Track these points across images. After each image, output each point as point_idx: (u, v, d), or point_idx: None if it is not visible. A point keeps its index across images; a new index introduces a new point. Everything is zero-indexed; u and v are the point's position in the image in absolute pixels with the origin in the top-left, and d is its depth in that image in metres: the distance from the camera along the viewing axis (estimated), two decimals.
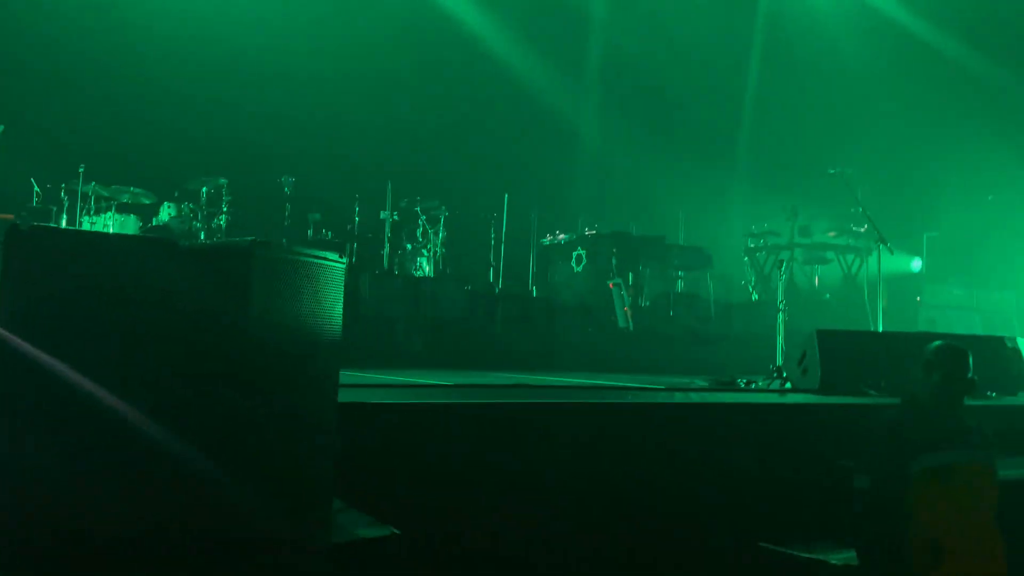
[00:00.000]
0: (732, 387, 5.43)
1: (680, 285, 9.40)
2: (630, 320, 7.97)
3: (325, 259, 2.24)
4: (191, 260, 2.08)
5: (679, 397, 4.41)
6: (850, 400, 4.45)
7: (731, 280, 9.75)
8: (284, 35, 9.33)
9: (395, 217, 8.50)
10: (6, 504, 1.78)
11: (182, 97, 8.58)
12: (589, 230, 9.06)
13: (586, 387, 4.66)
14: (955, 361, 2.99)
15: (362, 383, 3.99)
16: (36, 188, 7.26)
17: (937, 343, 3.09)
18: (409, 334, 7.32)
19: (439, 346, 7.11)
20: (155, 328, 1.97)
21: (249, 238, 2.06)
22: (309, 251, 2.22)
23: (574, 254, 8.95)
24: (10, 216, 5.64)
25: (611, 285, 8.02)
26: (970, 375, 3.02)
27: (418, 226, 8.64)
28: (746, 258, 9.77)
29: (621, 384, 4.83)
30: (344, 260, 2.29)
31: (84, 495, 1.82)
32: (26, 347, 1.80)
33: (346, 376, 4.12)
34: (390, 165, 8.92)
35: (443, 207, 8.82)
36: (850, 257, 9.51)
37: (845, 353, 4.99)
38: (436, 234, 8.73)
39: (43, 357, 1.83)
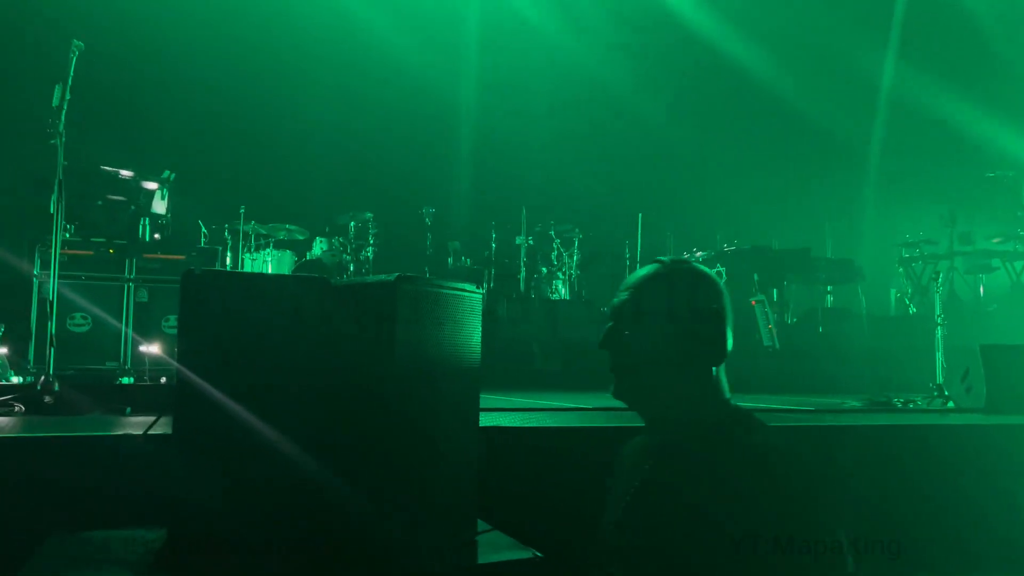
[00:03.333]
0: (888, 407, 5.15)
1: (829, 300, 9.02)
2: (775, 338, 7.70)
3: (464, 290, 2.33)
4: (341, 296, 2.22)
5: (829, 419, 4.22)
6: (1019, 420, 4.12)
7: (885, 293, 9.26)
8: (420, 76, 9.75)
9: (530, 242, 8.66)
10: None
11: (331, 138, 9.15)
12: (728, 246, 8.86)
13: None
14: None
15: (502, 407, 4.08)
16: (204, 229, 7.92)
17: None
18: (546, 357, 7.40)
19: (576, 368, 7.14)
20: (311, 361, 2.11)
21: (395, 274, 2.17)
22: (449, 283, 2.31)
23: (713, 271, 8.76)
24: (181, 257, 6.13)
25: (753, 302, 7.78)
26: None
27: (552, 249, 8.76)
28: (900, 269, 9.25)
29: (766, 406, 4.67)
30: (481, 291, 2.38)
31: (249, 524, 1.98)
32: (203, 385, 1.98)
33: (486, 399, 4.23)
34: (524, 191, 9.12)
35: (576, 229, 8.90)
36: (1019, 265, 8.80)
37: (1013, 369, 4.64)
38: (571, 256, 8.81)
39: (215, 394, 2.00)
